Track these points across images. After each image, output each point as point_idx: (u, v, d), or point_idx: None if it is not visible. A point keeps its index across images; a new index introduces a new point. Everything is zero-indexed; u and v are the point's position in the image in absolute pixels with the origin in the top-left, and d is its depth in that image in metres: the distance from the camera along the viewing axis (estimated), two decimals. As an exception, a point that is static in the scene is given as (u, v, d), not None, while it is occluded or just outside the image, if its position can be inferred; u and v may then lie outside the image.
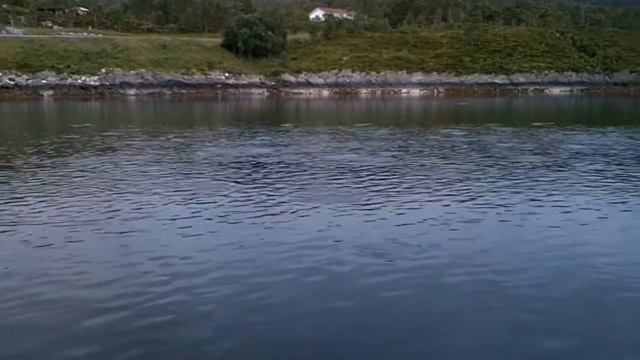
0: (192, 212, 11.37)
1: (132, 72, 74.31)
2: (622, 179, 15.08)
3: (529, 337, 6.26)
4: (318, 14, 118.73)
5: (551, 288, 7.59)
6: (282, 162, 17.95)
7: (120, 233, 9.94)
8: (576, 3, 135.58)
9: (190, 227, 10.35)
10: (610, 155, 19.36)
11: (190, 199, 12.54)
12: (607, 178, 15.19)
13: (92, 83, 71.64)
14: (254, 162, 17.94)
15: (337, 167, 16.86)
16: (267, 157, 19.07)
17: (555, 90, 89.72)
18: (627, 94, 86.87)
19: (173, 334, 6.31)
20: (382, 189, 13.67)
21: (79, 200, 12.40)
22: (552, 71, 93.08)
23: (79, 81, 71.17)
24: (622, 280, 7.89)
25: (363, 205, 12.04)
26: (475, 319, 6.73)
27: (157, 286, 7.55)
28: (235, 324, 6.56)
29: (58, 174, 15.77)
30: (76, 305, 7.01)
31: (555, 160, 18.23)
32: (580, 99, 74.00)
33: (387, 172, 16.11)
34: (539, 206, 12.01)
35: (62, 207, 11.73)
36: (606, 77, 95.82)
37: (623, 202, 12.44)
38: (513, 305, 7.08)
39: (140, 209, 11.67)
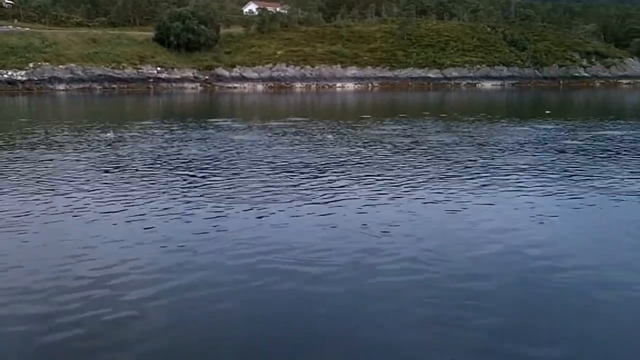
0: (122, 213, 10.93)
1: (61, 66, 72.67)
2: (556, 170, 15.18)
3: (458, 331, 6.16)
4: (251, 7, 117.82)
5: (482, 280, 7.55)
6: (216, 158, 17.61)
7: (45, 235, 9.46)
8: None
9: (119, 227, 9.94)
10: (542, 147, 19.54)
11: (121, 199, 12.09)
12: (540, 170, 15.28)
13: (20, 78, 69.85)
14: (187, 159, 17.52)
15: (273, 164, 16.57)
16: (201, 153, 18.68)
17: (487, 85, 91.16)
18: (556, 87, 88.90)
19: (100, 338, 5.96)
20: (320, 185, 13.44)
21: (1, 200, 11.85)
22: (483, 65, 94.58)
23: (5, 76, 69.26)
24: (553, 273, 7.86)
25: (302, 202, 11.80)
26: (406, 314, 6.58)
27: (86, 290, 7.16)
28: (164, 328, 6.25)
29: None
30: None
31: (489, 152, 18.29)
32: (511, 92, 75.21)
33: (325, 167, 15.90)
34: (473, 199, 11.96)
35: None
36: (536, 71, 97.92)
37: (557, 194, 12.49)
38: (445, 298, 6.96)
39: (68, 207, 11.20)
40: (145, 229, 9.81)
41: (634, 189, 12.88)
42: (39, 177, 14.34)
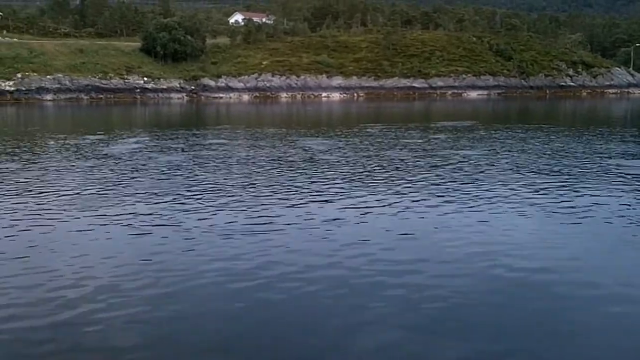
0: (108, 224, 11.05)
1: (48, 77, 72.30)
2: (540, 175, 15.35)
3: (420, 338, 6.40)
4: (237, 18, 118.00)
5: (440, 288, 7.76)
6: (201, 168, 17.75)
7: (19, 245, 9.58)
8: (492, 8, 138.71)
9: (100, 237, 10.08)
10: (528, 152, 19.77)
11: (108, 210, 12.22)
12: (523, 174, 15.47)
13: (8, 88, 69.38)
14: (168, 169, 17.64)
15: (256, 172, 16.76)
16: (183, 162, 18.81)
17: (473, 94, 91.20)
18: (542, 97, 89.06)
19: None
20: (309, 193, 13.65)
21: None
22: (469, 75, 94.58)
23: (-6, 86, 69.02)
24: (506, 279, 8.15)
25: (262, 212, 12.00)
26: (364, 320, 6.82)
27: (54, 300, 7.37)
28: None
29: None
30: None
31: (480, 162, 18.51)
32: (497, 102, 75.21)
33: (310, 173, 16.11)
34: (441, 204, 12.18)
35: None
36: (522, 80, 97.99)
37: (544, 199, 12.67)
38: (406, 307, 7.19)
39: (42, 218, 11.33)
40: (127, 238, 9.96)
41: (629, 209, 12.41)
42: (25, 188, 14.43)
